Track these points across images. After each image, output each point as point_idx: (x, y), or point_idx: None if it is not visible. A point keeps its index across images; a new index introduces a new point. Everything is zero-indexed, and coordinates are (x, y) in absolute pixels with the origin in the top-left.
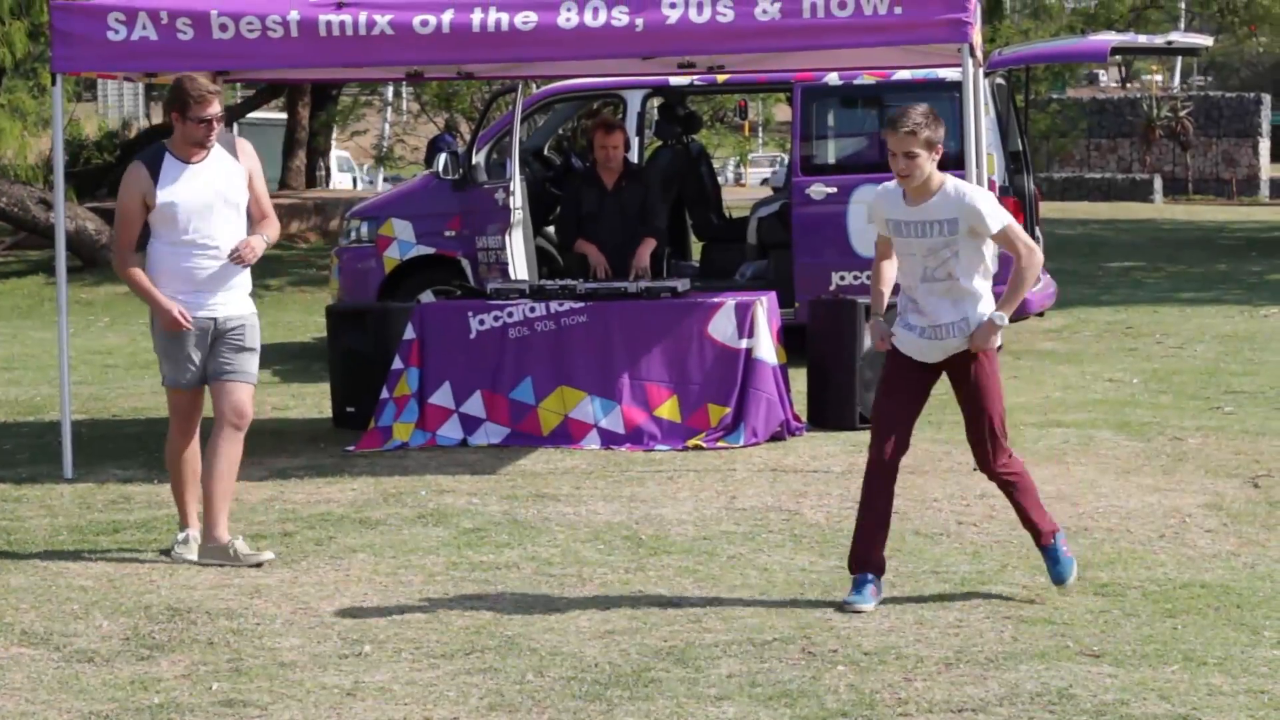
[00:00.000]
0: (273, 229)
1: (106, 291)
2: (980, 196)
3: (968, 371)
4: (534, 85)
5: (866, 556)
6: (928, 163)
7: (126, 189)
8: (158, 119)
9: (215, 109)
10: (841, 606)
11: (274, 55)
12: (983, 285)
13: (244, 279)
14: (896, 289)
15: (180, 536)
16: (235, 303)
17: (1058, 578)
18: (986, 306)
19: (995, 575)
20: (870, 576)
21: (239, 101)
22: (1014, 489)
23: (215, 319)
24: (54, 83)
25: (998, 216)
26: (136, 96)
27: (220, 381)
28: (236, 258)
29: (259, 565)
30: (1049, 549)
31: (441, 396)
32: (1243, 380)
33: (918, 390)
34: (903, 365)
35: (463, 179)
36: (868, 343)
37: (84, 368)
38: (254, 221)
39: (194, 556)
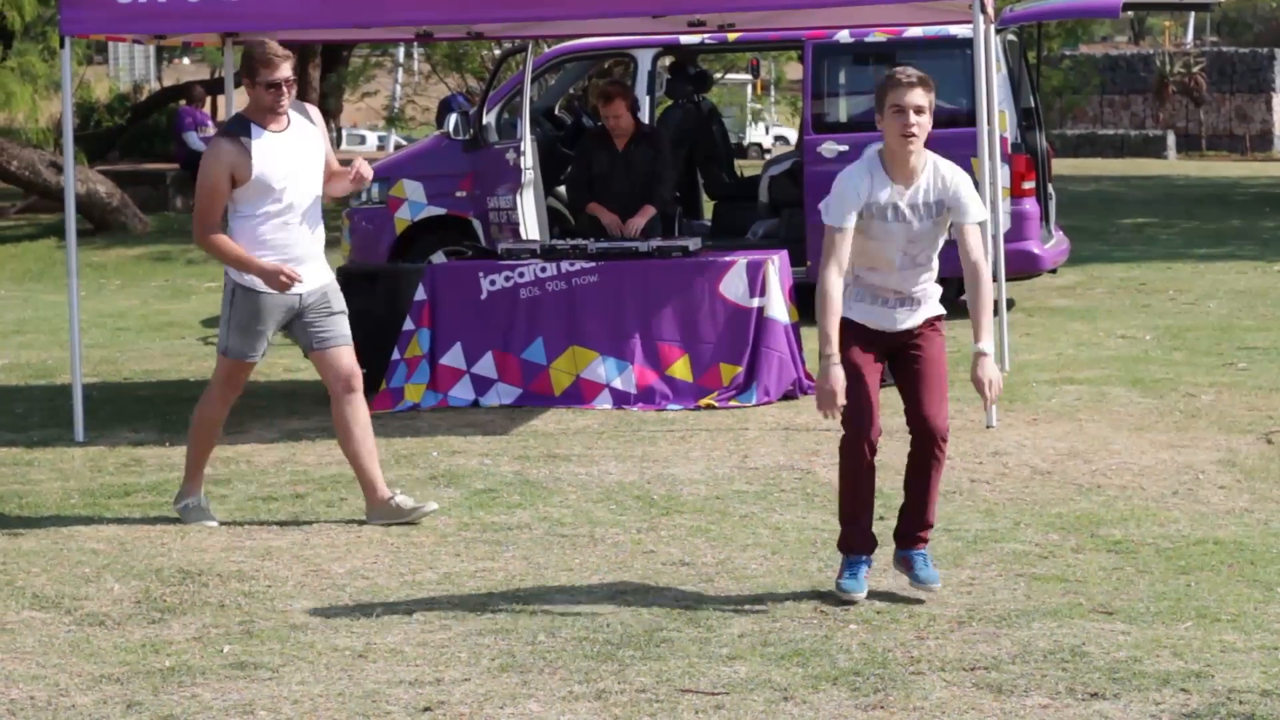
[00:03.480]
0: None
1: (117, 254)
2: (966, 182)
3: (923, 346)
4: (544, 45)
5: (865, 539)
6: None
7: (213, 163)
8: (169, 81)
9: (285, 72)
10: (834, 593)
11: (284, 16)
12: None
13: (321, 247)
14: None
15: (193, 502)
16: (319, 273)
17: (930, 579)
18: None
19: (1008, 533)
20: (865, 559)
21: None
22: (936, 467)
23: (301, 294)
24: (63, 45)
25: (980, 210)
26: (148, 59)
27: (323, 351)
28: (357, 177)
29: (424, 515)
30: (923, 555)
31: (453, 357)
32: (1256, 336)
33: (877, 369)
34: (863, 345)
35: (474, 139)
36: None
37: (95, 331)
38: (328, 179)
39: (215, 523)
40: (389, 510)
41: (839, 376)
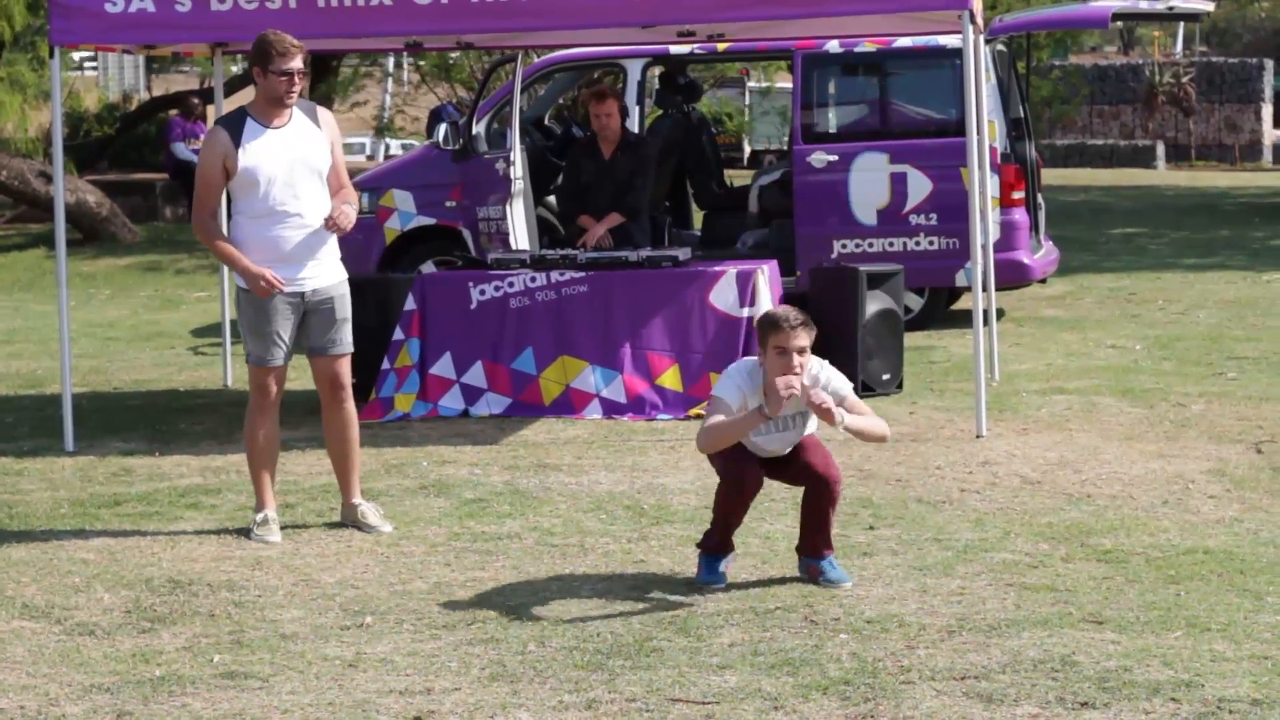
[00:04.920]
0: (354, 198)
1: (107, 264)
2: (835, 376)
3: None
4: (534, 55)
5: (724, 542)
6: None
7: (207, 153)
8: (158, 91)
9: (297, 63)
10: (695, 584)
11: (273, 26)
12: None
13: (331, 248)
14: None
15: (258, 517)
16: (324, 274)
17: (841, 578)
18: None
19: (998, 543)
20: (723, 556)
21: (240, 74)
22: (834, 492)
23: (304, 293)
24: (52, 55)
25: (848, 390)
26: (137, 69)
27: (322, 356)
28: (332, 225)
29: (379, 533)
30: (829, 560)
31: (442, 367)
32: (1246, 346)
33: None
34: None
35: (463, 149)
36: (870, 309)
37: (85, 340)
38: (332, 193)
39: (275, 538)
40: (354, 516)
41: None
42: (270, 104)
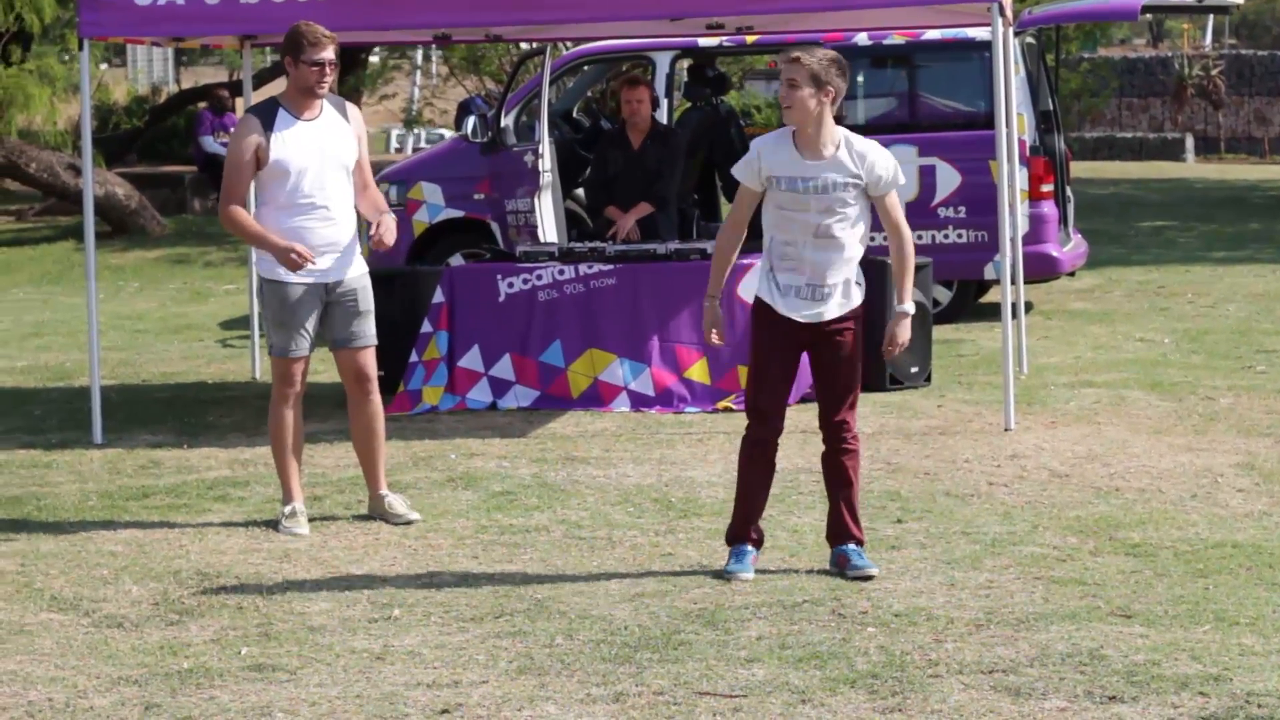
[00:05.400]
0: (380, 200)
1: (136, 257)
2: (881, 156)
3: (838, 342)
4: (563, 47)
5: (744, 530)
6: (811, 101)
7: (238, 138)
8: (187, 84)
9: (329, 54)
10: (722, 575)
11: (301, 19)
12: (861, 250)
13: (354, 241)
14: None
15: (286, 510)
16: (347, 266)
17: (866, 565)
18: (859, 275)
19: (1026, 536)
20: (749, 548)
21: (269, 66)
22: (850, 470)
23: (327, 284)
24: (81, 48)
25: (895, 180)
26: (166, 61)
27: (345, 350)
28: (378, 241)
29: (407, 524)
30: (857, 550)
31: (471, 360)
32: (1275, 339)
33: (792, 360)
34: (776, 333)
35: (492, 142)
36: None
37: (114, 333)
38: (358, 191)
39: (304, 530)
40: (381, 507)
41: (710, 311)
42: (301, 94)
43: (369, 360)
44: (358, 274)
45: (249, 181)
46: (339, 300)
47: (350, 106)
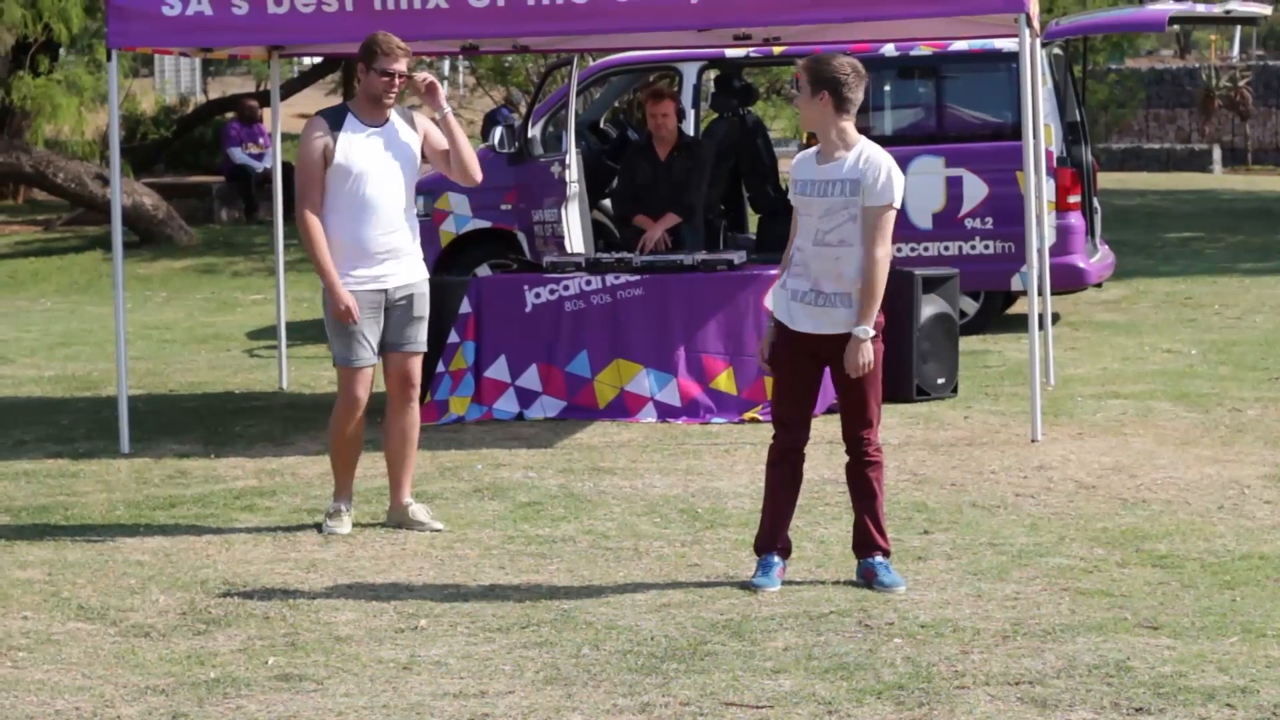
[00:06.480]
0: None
1: (163, 266)
2: (883, 168)
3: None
4: (590, 58)
5: (772, 540)
6: (809, 105)
7: (306, 140)
8: (214, 94)
9: (400, 65)
10: (748, 586)
11: (328, 29)
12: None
13: (415, 247)
14: None
15: (331, 508)
16: (405, 271)
17: (894, 582)
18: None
19: (1053, 547)
20: (775, 559)
21: (295, 76)
22: (874, 482)
23: (386, 290)
24: (109, 58)
25: (886, 194)
26: (194, 72)
27: (395, 353)
28: (430, 89)
29: (435, 531)
30: (884, 563)
31: (497, 370)
32: None
33: (809, 372)
34: (789, 345)
35: (519, 152)
36: (925, 313)
37: (141, 343)
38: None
39: (345, 529)
40: (403, 515)
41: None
42: (370, 102)
43: (415, 366)
44: (416, 279)
45: (320, 181)
46: (395, 303)
47: (418, 115)
